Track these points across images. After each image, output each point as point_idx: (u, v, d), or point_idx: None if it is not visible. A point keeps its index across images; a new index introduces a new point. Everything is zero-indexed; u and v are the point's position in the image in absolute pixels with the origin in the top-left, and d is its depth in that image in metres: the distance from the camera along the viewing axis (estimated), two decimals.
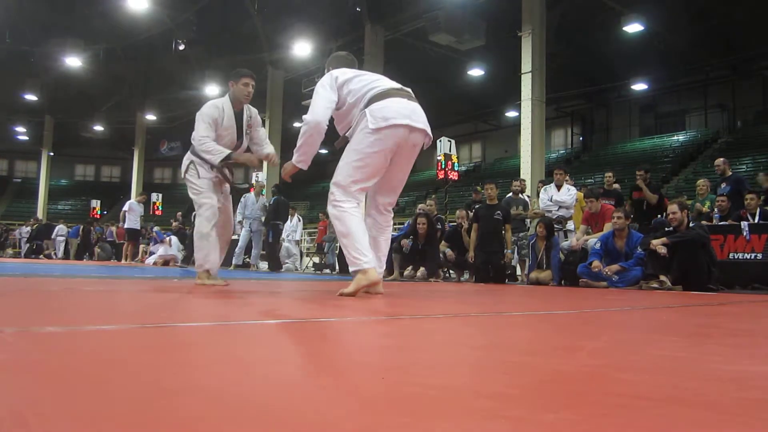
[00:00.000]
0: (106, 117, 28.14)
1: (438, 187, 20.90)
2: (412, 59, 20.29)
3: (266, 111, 20.36)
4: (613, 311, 2.86)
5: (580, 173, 20.44)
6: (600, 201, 6.88)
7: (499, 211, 7.34)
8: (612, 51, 19.48)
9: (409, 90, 3.24)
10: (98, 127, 28.84)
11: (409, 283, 6.71)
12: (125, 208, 12.82)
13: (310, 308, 2.42)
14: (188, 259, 10.67)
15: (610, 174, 8.28)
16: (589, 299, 3.85)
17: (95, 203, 24.95)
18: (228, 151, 3.80)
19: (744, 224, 6.48)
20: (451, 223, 8.66)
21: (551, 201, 7.68)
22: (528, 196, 9.12)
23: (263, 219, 10.86)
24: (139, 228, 13.26)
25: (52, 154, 29.65)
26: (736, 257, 6.37)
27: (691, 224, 6.02)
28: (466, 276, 7.98)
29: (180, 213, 15.08)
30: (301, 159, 3.20)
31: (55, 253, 18.16)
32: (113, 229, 16.78)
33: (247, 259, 11.46)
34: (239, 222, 10.77)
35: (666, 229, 5.91)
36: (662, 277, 5.56)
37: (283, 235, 11.24)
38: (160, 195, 22.61)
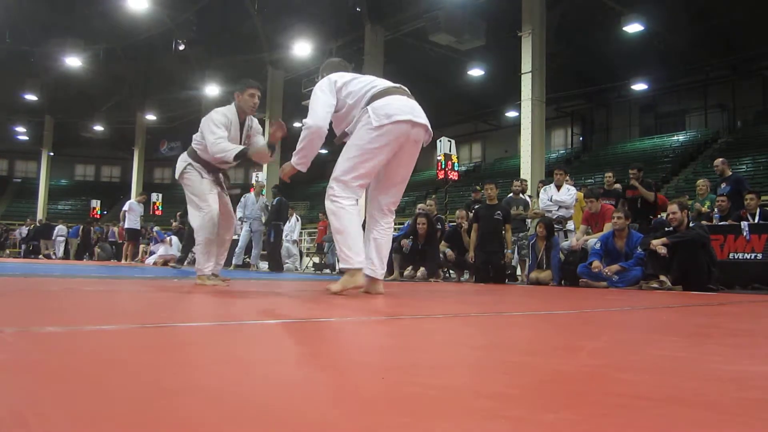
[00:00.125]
0: (106, 117, 28.15)
1: (438, 187, 20.92)
2: (412, 59, 20.30)
3: (266, 111, 20.36)
4: (613, 311, 2.86)
5: (580, 173, 20.45)
6: (600, 201, 6.88)
7: (499, 211, 7.34)
8: (612, 51, 19.49)
9: (406, 89, 3.27)
10: (98, 127, 28.85)
11: (409, 283, 6.71)
12: (125, 208, 12.83)
13: (310, 308, 2.42)
14: (183, 259, 10.60)
15: (610, 174, 8.28)
16: (589, 299, 3.85)
17: (95, 203, 24.96)
18: (242, 147, 3.74)
19: (744, 224, 6.48)
20: (451, 223, 8.66)
21: (551, 201, 7.68)
22: (530, 196, 9.13)
23: (263, 219, 10.86)
24: (139, 228, 13.26)
25: (52, 154, 29.67)
26: (736, 257, 6.37)
27: (691, 224, 6.02)
28: (466, 276, 7.98)
29: (180, 213, 15.07)
30: (300, 162, 3.22)
31: (54, 253, 18.15)
32: (115, 229, 16.78)
33: (247, 259, 11.45)
34: (240, 219, 10.77)
35: (666, 229, 5.91)
36: (662, 277, 5.56)
37: (283, 236, 11.24)
38: (160, 195, 22.61)
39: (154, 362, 1.00)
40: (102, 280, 4.36)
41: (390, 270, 7.43)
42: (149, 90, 26.69)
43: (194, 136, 3.93)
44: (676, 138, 23.60)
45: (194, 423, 0.62)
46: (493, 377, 0.99)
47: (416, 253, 7.62)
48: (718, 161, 8.03)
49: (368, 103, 3.07)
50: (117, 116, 28.27)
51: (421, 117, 3.14)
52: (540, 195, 7.98)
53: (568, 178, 8.24)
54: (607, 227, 6.39)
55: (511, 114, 25.54)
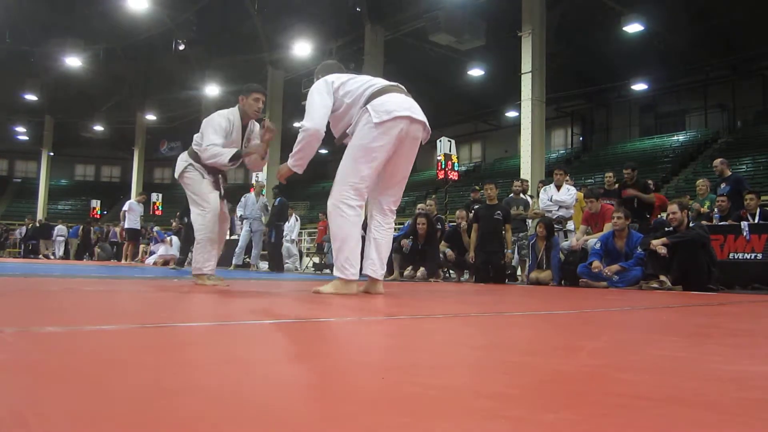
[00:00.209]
0: (106, 117, 28.16)
1: (438, 187, 20.92)
2: (412, 59, 20.30)
3: (266, 111, 20.34)
4: (613, 311, 2.86)
5: (580, 173, 20.45)
6: (600, 201, 6.88)
7: (499, 211, 7.34)
8: (612, 51, 19.49)
9: (403, 87, 3.30)
10: (98, 127, 28.86)
11: (409, 283, 6.72)
12: (125, 208, 12.82)
13: (310, 308, 2.42)
14: (183, 261, 10.47)
15: (610, 174, 8.28)
16: (589, 299, 3.85)
17: (95, 203, 24.96)
18: (235, 150, 3.78)
19: (744, 224, 6.48)
20: (451, 223, 8.66)
21: (551, 201, 7.68)
22: (531, 196, 9.13)
23: (263, 219, 10.85)
24: (139, 228, 13.26)
25: (52, 154, 29.67)
26: (736, 257, 6.37)
27: (691, 224, 6.02)
28: (466, 276, 7.98)
29: (179, 212, 15.06)
30: (297, 164, 3.23)
31: (53, 253, 18.15)
32: (116, 229, 16.79)
33: (247, 259, 11.45)
34: (240, 217, 10.75)
35: (666, 229, 5.91)
36: (662, 277, 5.56)
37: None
38: (160, 195, 22.60)
39: (154, 362, 1.00)
40: (102, 280, 4.36)
41: (390, 270, 7.43)
42: (149, 90, 26.69)
43: (195, 137, 3.94)
44: (676, 138, 23.60)
45: (194, 423, 0.62)
46: (493, 377, 0.98)
47: (416, 253, 7.62)
48: (718, 161, 8.03)
49: (367, 101, 3.08)
50: (117, 116, 28.28)
51: (420, 114, 3.17)
52: (540, 195, 7.98)
53: (568, 178, 8.24)
54: (607, 227, 6.39)
55: (511, 114, 25.54)
